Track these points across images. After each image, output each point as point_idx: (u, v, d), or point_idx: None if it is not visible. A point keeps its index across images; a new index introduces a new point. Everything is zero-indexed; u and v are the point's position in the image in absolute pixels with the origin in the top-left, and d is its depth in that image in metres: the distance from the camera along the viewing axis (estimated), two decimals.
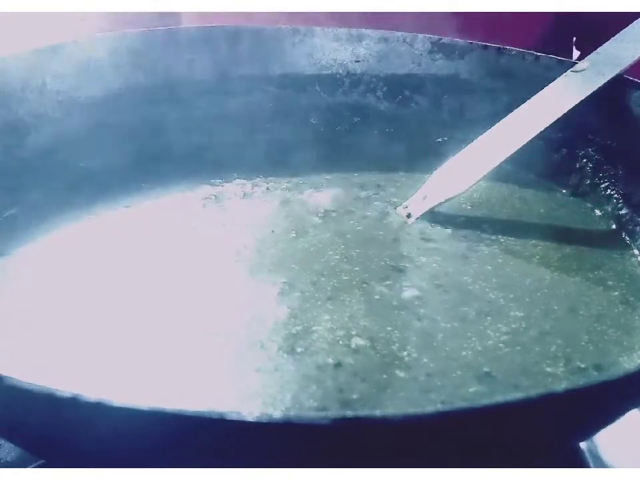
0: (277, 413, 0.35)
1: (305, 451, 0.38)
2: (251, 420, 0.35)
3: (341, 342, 0.55)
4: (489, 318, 0.58)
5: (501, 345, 0.55)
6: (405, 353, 0.54)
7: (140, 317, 0.57)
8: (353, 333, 0.56)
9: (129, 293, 0.60)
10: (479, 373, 0.52)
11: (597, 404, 0.42)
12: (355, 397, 0.50)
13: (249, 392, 0.50)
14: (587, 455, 0.56)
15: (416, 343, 0.55)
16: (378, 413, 0.38)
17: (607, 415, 0.45)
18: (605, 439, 0.57)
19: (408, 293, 0.61)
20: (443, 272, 0.63)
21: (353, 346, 0.54)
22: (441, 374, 0.52)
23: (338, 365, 0.52)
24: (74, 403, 0.36)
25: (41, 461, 0.52)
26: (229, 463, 0.39)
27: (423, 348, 0.55)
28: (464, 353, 0.54)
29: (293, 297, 0.59)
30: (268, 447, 0.38)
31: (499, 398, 0.37)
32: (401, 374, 0.52)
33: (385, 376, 0.52)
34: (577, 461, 0.55)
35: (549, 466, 0.44)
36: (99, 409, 0.36)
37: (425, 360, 0.53)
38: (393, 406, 0.49)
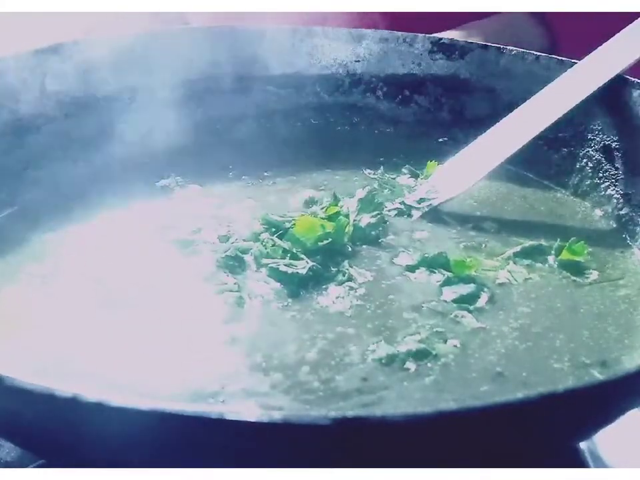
0: (277, 413, 0.35)
1: (305, 451, 0.38)
2: (252, 420, 0.35)
3: None
4: (499, 312, 0.59)
5: (509, 341, 0.56)
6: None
7: (144, 319, 0.57)
8: None
9: (132, 294, 0.59)
10: (492, 373, 0.53)
11: (598, 403, 0.42)
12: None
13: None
14: (587, 454, 0.56)
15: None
16: (378, 413, 0.38)
17: (607, 414, 0.45)
18: (605, 439, 0.57)
19: None
20: None
21: None
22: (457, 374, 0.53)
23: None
24: (74, 403, 0.36)
25: (41, 460, 0.52)
26: (229, 463, 0.39)
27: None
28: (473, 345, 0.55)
29: None
30: (268, 447, 0.38)
31: (499, 399, 0.37)
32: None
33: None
34: (577, 460, 0.56)
35: (548, 466, 0.44)
36: (99, 408, 0.36)
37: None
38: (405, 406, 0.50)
